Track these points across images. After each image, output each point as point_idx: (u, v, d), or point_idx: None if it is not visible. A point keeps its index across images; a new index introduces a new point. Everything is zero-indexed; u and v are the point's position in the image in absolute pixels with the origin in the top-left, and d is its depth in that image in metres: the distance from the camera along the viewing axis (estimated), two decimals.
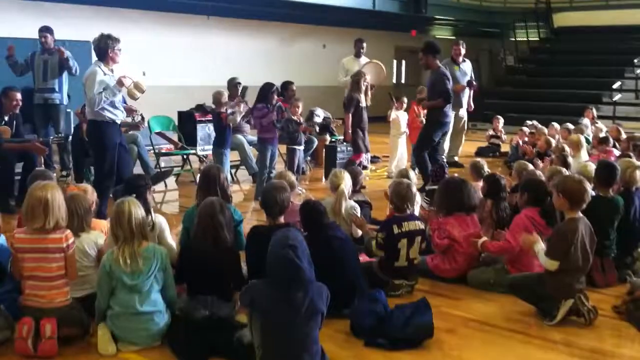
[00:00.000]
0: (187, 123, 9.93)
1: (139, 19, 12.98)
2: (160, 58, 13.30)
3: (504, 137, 12.67)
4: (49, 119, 9.14)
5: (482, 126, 15.14)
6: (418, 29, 18.60)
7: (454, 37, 18.38)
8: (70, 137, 8.79)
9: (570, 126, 10.45)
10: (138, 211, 4.00)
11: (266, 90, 7.97)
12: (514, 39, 20.75)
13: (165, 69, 13.38)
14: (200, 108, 10.12)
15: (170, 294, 4.09)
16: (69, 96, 9.26)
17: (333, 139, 10.45)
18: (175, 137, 9.88)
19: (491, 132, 12.83)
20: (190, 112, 10.06)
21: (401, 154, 10.00)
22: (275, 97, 8.10)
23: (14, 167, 7.29)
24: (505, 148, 12.24)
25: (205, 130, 9.66)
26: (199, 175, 9.03)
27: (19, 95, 7.53)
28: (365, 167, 8.99)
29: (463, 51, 10.77)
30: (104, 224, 4.68)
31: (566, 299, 4.31)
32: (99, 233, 4.41)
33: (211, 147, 9.03)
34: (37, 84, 9.02)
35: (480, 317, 4.49)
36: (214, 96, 8.04)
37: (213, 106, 8.24)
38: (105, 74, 6.25)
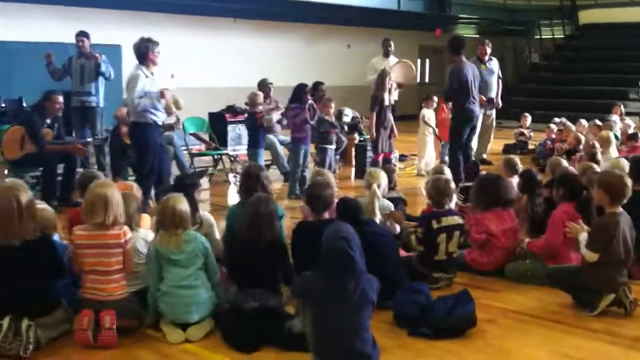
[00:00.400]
0: (217, 124, 10.09)
1: (167, 23, 13.18)
2: (189, 61, 13.50)
3: (529, 134, 12.70)
4: (85, 121, 9.38)
5: (507, 124, 15.14)
6: (442, 28, 18.62)
7: (478, 36, 18.40)
8: (108, 138, 9.01)
9: (599, 122, 10.47)
10: (182, 206, 4.19)
11: (300, 90, 8.14)
12: (538, 37, 20.69)
13: (195, 71, 13.58)
14: (231, 109, 10.29)
15: (214, 279, 4.25)
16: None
17: (362, 138, 10.56)
18: (207, 138, 10.07)
19: (520, 130, 12.87)
20: (221, 114, 10.23)
21: (430, 153, 10.09)
22: (309, 97, 8.26)
23: (57, 168, 7.53)
24: (532, 145, 12.27)
25: (236, 131, 9.80)
26: (230, 174, 9.28)
27: (61, 99, 7.73)
28: (394, 166, 9.06)
29: (489, 50, 10.85)
30: (149, 220, 4.84)
31: (609, 292, 4.39)
32: (145, 231, 4.58)
33: (241, 147, 9.19)
34: (75, 87, 9.26)
35: (519, 308, 4.59)
36: (249, 97, 8.22)
37: (244, 107, 8.41)
38: (147, 77, 6.45)
